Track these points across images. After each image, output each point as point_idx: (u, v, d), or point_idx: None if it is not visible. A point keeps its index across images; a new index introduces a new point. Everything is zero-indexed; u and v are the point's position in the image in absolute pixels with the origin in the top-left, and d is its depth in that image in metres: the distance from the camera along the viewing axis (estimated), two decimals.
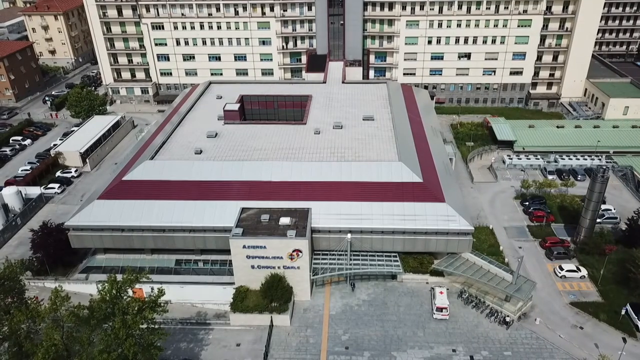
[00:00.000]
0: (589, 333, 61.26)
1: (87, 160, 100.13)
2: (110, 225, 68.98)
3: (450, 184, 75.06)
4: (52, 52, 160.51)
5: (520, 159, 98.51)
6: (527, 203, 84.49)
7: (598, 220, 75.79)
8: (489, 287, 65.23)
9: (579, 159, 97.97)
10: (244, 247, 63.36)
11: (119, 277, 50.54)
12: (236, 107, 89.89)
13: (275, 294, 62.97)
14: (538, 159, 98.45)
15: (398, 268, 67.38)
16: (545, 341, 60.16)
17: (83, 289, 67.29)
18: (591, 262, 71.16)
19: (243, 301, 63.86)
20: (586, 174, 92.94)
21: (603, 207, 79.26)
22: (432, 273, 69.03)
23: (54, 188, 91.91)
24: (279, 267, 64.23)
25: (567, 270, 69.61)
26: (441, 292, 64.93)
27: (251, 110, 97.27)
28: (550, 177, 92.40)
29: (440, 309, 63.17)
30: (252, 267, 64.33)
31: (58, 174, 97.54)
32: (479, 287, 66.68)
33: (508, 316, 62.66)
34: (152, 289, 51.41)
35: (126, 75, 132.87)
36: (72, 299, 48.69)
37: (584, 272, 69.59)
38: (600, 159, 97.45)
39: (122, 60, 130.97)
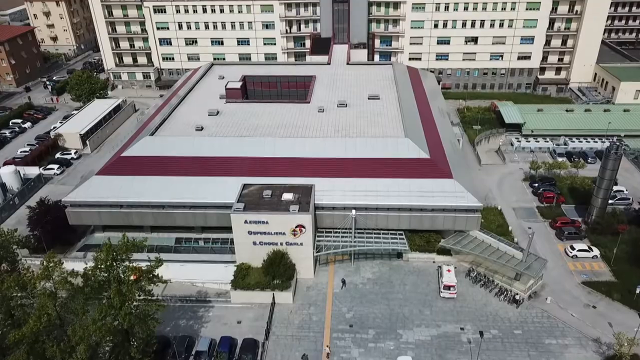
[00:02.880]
0: (602, 312, 59.13)
1: (87, 142, 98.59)
2: (108, 201, 67.20)
3: (458, 161, 72.94)
4: (54, 39, 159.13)
5: (529, 141, 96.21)
6: (536, 184, 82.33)
7: (610, 201, 73.62)
8: (498, 265, 63.05)
9: (589, 142, 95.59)
10: (246, 222, 61.42)
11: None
12: (238, 85, 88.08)
13: (277, 271, 60.99)
14: (547, 141, 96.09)
15: (404, 246, 65.29)
16: (557, 320, 58.04)
17: (81, 267, 65.07)
18: (603, 242, 68.98)
19: (244, 278, 61.92)
20: (597, 156, 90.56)
21: (615, 188, 76.98)
22: (439, 252, 66.99)
23: (53, 169, 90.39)
24: (281, 244, 62.25)
25: (579, 250, 67.43)
26: (449, 270, 62.86)
27: (254, 91, 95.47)
28: (559, 159, 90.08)
29: (447, 287, 61.04)
30: (254, 243, 62.41)
31: (57, 155, 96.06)
32: (488, 266, 64.52)
33: (518, 294, 60.55)
34: (149, 257, 49.48)
35: (128, 60, 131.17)
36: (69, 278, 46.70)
37: (596, 252, 67.38)
38: (611, 142, 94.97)
39: (124, 44, 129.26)
